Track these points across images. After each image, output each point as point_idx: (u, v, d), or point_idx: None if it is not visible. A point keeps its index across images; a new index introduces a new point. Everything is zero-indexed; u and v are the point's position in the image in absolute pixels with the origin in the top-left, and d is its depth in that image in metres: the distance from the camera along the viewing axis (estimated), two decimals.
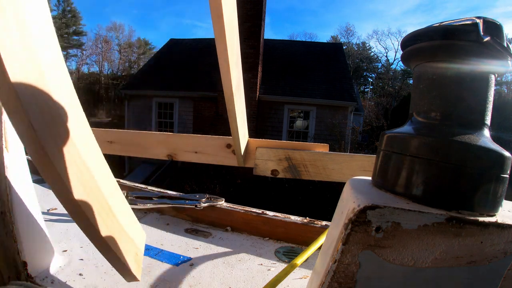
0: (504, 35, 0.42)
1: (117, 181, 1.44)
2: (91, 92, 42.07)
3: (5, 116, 0.70)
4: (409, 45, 0.47)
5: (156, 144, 1.35)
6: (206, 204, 1.15)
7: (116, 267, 0.63)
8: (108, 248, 0.59)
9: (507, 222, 0.40)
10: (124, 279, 0.66)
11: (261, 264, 0.91)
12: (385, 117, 15.47)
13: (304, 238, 1.05)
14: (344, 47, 19.68)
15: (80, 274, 0.79)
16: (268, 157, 1.18)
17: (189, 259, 0.91)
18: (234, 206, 1.18)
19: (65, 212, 1.20)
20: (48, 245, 0.81)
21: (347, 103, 10.29)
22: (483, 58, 0.41)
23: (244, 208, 1.16)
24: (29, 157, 0.47)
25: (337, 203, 0.50)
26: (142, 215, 1.22)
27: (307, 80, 11.28)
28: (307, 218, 1.10)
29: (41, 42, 0.50)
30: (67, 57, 42.61)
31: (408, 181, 0.42)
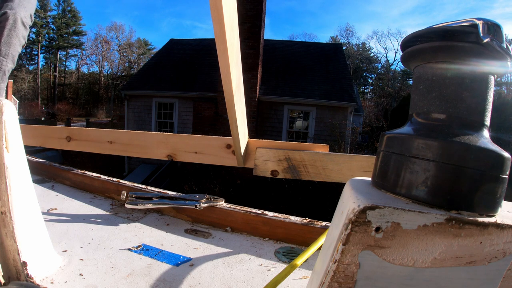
0: (504, 36, 0.42)
1: (117, 182, 1.44)
2: (91, 92, 42.09)
3: (5, 116, 0.70)
4: (409, 46, 0.48)
5: (156, 144, 1.35)
6: (206, 205, 1.15)
7: None
8: None
9: (506, 223, 0.40)
10: None
11: (261, 265, 0.91)
12: (385, 117, 15.47)
13: (304, 238, 1.05)
14: (344, 48, 19.69)
15: (80, 274, 0.79)
16: (268, 158, 1.18)
17: (189, 259, 0.91)
18: (234, 207, 1.18)
19: (65, 212, 1.20)
20: (48, 245, 0.81)
21: (347, 103, 10.29)
22: (482, 59, 0.42)
23: (244, 209, 1.16)
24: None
25: (337, 203, 0.51)
26: (142, 215, 1.22)
27: (307, 80, 11.29)
28: (307, 218, 1.10)
29: None
30: (67, 57, 42.63)
31: (408, 182, 0.42)
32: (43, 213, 1.10)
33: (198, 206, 1.14)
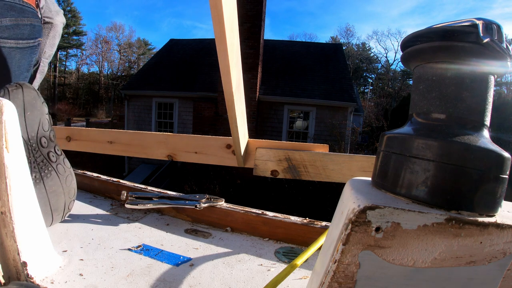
0: (504, 36, 0.42)
1: (117, 182, 1.44)
2: (91, 92, 42.11)
3: (5, 116, 0.70)
4: (409, 46, 0.48)
5: (156, 144, 1.35)
6: (206, 205, 1.15)
7: None
8: None
9: (506, 223, 0.40)
10: None
11: (261, 265, 0.91)
12: (385, 117, 15.48)
13: (304, 238, 1.05)
14: (344, 48, 19.70)
15: (80, 274, 0.79)
16: (268, 158, 1.18)
17: (189, 259, 0.91)
18: (234, 207, 1.18)
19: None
20: (48, 245, 0.81)
21: (347, 103, 10.29)
22: (482, 59, 0.42)
23: (244, 209, 1.16)
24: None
25: (337, 203, 0.51)
26: (142, 215, 1.22)
27: (307, 80, 11.29)
28: (307, 218, 1.10)
29: None
30: (67, 57, 42.64)
31: (408, 182, 0.42)
32: None
33: (198, 206, 1.14)
